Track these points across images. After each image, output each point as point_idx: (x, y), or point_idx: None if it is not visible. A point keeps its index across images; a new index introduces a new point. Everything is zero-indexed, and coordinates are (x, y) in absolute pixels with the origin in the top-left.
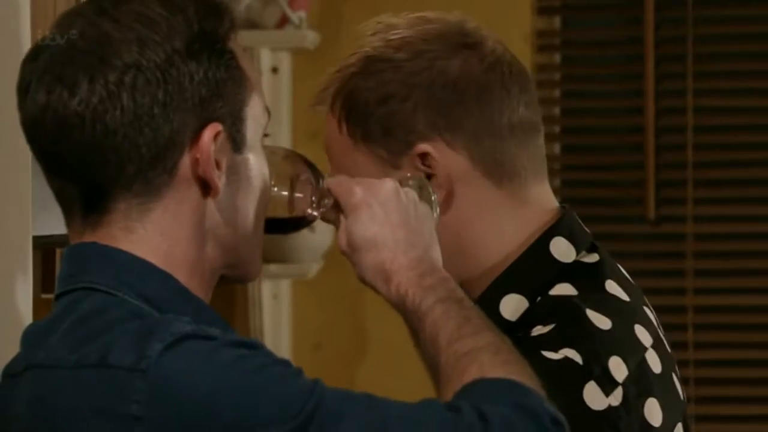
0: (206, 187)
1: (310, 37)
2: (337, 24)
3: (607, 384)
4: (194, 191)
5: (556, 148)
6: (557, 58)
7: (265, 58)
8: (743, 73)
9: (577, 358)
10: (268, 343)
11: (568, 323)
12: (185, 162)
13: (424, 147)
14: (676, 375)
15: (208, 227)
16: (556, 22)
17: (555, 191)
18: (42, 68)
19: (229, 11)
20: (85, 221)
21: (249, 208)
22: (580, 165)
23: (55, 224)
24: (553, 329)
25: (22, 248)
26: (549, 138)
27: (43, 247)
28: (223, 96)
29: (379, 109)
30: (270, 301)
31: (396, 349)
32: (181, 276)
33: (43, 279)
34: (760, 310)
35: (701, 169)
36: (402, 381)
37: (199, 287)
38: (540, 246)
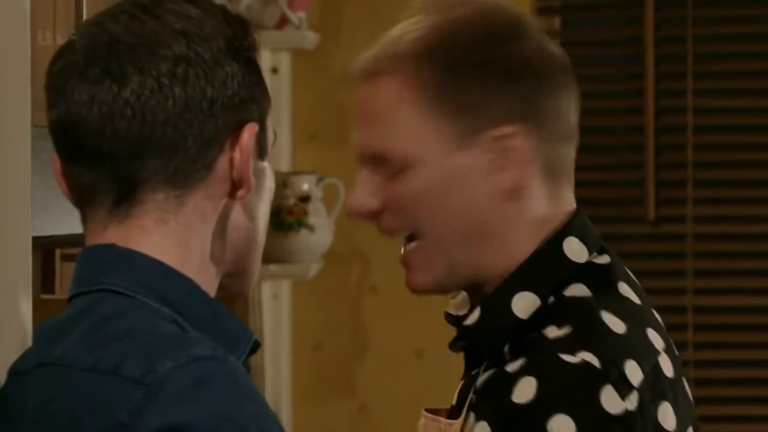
0: (236, 188)
1: (310, 38)
2: (337, 24)
3: (624, 388)
4: (223, 191)
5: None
6: None
7: (265, 58)
8: (743, 73)
9: (595, 361)
10: (268, 343)
11: (585, 326)
12: (222, 160)
13: (505, 129)
14: (686, 379)
15: (230, 228)
16: (556, 22)
17: None
18: (82, 64)
19: (252, 27)
20: (112, 213)
21: (262, 218)
22: (580, 165)
23: (55, 225)
24: (569, 332)
25: (21, 249)
26: None
27: (43, 247)
28: (255, 99)
29: (453, 85)
30: (270, 301)
31: (396, 349)
32: (197, 274)
33: (43, 280)
34: (759, 310)
35: (701, 169)
36: (401, 381)
37: (211, 288)
38: (553, 245)
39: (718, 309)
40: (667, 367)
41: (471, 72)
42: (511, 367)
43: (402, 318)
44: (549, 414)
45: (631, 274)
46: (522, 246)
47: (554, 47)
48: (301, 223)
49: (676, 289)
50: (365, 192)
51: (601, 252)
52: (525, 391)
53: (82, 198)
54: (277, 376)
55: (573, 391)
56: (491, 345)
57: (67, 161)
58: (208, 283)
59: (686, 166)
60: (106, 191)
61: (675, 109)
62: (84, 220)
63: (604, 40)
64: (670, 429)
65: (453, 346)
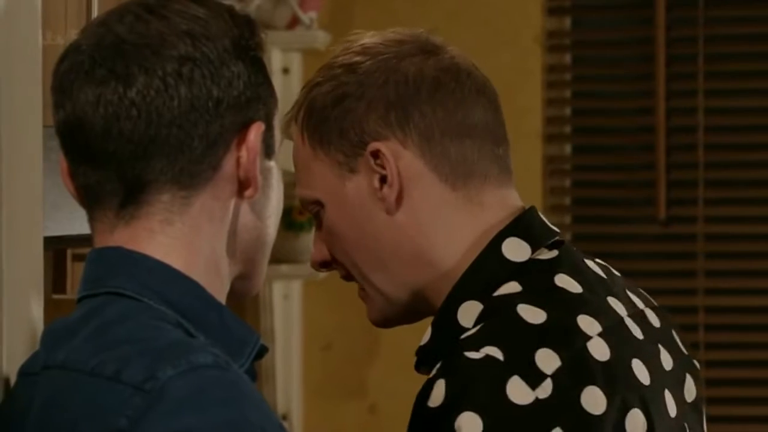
0: (243, 188)
1: (321, 38)
2: (348, 24)
3: (533, 377)
4: (231, 191)
5: (567, 149)
6: (568, 58)
7: (276, 58)
8: (754, 73)
9: (498, 354)
10: (279, 343)
11: (494, 321)
12: (229, 160)
13: (376, 145)
14: (644, 361)
15: (238, 228)
16: (567, 22)
17: (565, 192)
18: (89, 63)
19: (259, 27)
20: (119, 214)
21: (272, 218)
22: (591, 165)
23: (66, 225)
24: (479, 329)
25: (33, 249)
26: (560, 139)
27: (55, 247)
28: (261, 99)
29: (334, 110)
30: (281, 301)
31: (406, 350)
32: (206, 276)
33: (54, 280)
34: None
35: (712, 169)
36: (412, 382)
37: (221, 290)
38: (492, 248)
39: (729, 309)
40: (599, 350)
41: (328, 100)
42: (432, 372)
43: None
44: (457, 413)
45: (590, 265)
46: (457, 256)
47: (434, 59)
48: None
49: (687, 290)
50: (317, 246)
51: (553, 247)
52: (437, 394)
53: (89, 199)
54: (288, 375)
55: (477, 386)
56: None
57: (74, 162)
58: (219, 285)
59: (697, 167)
60: (112, 192)
61: (686, 109)
62: (91, 220)
63: (615, 41)
64: (598, 413)
65: (417, 369)
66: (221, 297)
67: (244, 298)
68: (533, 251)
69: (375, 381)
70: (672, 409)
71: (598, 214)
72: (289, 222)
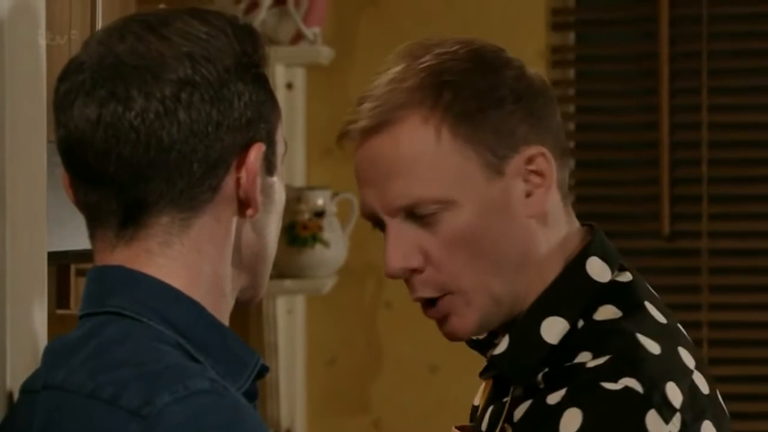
0: (244, 207)
1: (325, 53)
2: (352, 40)
3: (666, 411)
4: (232, 210)
5: (570, 164)
6: (571, 73)
7: (280, 73)
8: (758, 88)
9: (638, 387)
10: (283, 358)
11: (624, 351)
12: (228, 181)
13: (537, 149)
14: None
15: (241, 246)
16: (571, 37)
17: None
18: (90, 83)
19: (262, 39)
20: (119, 234)
21: (273, 232)
22: (595, 180)
23: (70, 240)
24: (609, 359)
25: (37, 264)
26: None
27: (58, 263)
28: (263, 117)
29: (491, 109)
30: (284, 316)
31: (410, 365)
32: (208, 296)
33: (58, 295)
34: None
35: (716, 184)
36: (416, 396)
37: (224, 308)
38: (576, 267)
39: (734, 324)
40: (702, 384)
41: (484, 100)
42: (553, 398)
43: (416, 333)
44: None
45: (651, 289)
46: (552, 269)
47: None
48: (315, 238)
49: (691, 305)
50: (404, 250)
51: (621, 269)
52: (570, 422)
53: (89, 215)
54: (291, 390)
55: (618, 419)
56: (523, 372)
57: (75, 178)
58: (223, 303)
59: (701, 182)
60: (111, 212)
61: (690, 124)
62: (92, 237)
63: (619, 56)
64: None
65: (483, 375)
66: (224, 316)
67: (246, 306)
68: (611, 273)
69: (379, 395)
70: None
71: (602, 229)
72: (293, 237)
